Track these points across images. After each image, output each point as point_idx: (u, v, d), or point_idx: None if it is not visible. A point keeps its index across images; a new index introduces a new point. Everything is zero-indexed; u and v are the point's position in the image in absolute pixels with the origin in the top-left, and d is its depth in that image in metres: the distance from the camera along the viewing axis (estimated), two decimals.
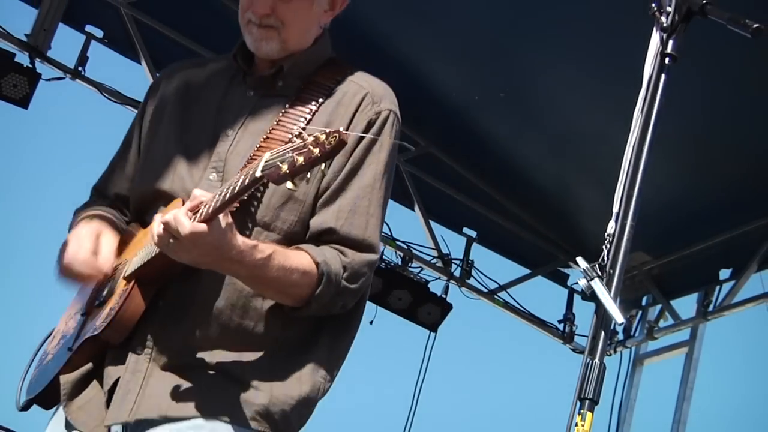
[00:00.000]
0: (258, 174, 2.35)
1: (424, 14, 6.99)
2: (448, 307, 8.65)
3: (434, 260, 8.68)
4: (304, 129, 2.68)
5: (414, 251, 8.61)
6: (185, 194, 2.70)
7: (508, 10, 6.71)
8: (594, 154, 7.42)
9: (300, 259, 2.65)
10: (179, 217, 2.46)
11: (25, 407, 2.88)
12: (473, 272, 8.83)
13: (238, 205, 2.54)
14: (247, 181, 2.39)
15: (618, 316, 2.35)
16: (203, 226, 2.44)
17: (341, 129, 2.28)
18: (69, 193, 12.42)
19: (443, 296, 8.70)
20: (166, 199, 2.81)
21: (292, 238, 2.73)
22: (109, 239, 2.84)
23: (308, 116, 2.79)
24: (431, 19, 7.01)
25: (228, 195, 2.42)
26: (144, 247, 2.73)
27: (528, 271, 9.20)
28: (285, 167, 2.28)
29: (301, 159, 2.26)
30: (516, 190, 8.57)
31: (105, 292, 2.80)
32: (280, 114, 2.81)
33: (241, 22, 2.89)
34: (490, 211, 8.76)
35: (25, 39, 7.28)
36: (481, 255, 8.98)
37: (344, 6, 2.95)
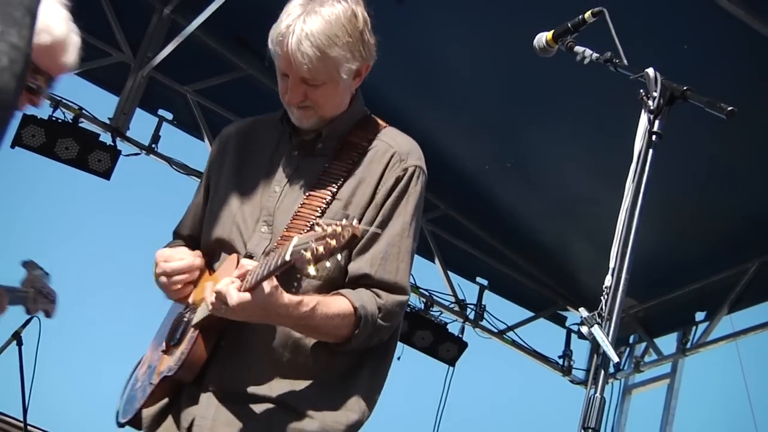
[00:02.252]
0: (287, 258, 2.29)
1: (441, 97, 7.02)
2: (464, 345, 8.60)
3: (452, 305, 8.66)
4: (322, 215, 2.64)
5: (434, 297, 8.59)
6: (242, 245, 2.73)
7: (514, 93, 6.71)
8: (588, 216, 7.41)
9: (340, 304, 2.61)
10: (229, 290, 2.46)
11: (121, 425, 2.85)
12: (485, 315, 8.81)
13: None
14: (279, 262, 2.34)
15: (614, 357, 2.31)
16: (247, 296, 2.44)
17: (354, 222, 2.23)
18: (145, 245, 12.48)
19: (460, 336, 8.66)
20: (226, 247, 2.79)
21: (331, 283, 2.69)
22: (187, 252, 2.85)
23: (344, 175, 2.74)
24: (447, 100, 7.04)
25: (266, 271, 2.40)
26: (206, 299, 2.69)
27: (532, 314, 9.14)
28: (308, 255, 2.22)
29: (321, 249, 2.21)
30: (522, 245, 8.56)
31: (179, 334, 2.78)
32: (321, 172, 2.76)
33: (282, 101, 2.82)
34: (500, 263, 8.75)
35: (108, 122, 7.37)
36: (492, 300, 8.98)
37: (368, 70, 2.83)
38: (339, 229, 2.21)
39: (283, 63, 2.71)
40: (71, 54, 2.60)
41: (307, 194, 2.72)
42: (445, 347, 8.49)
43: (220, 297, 2.47)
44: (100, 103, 7.66)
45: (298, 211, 2.69)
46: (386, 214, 2.72)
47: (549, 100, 6.56)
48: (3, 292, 3.49)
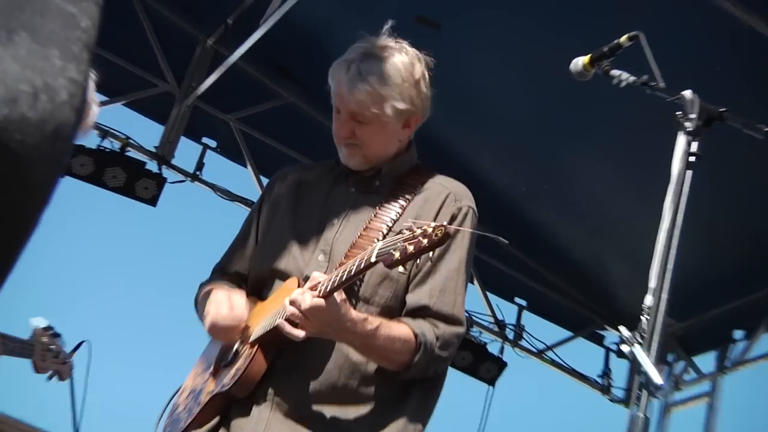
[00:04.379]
0: (373, 259, 2.33)
1: (478, 123, 7.02)
2: (503, 365, 8.53)
3: (491, 325, 8.61)
4: (413, 222, 2.61)
5: (474, 318, 8.53)
6: (298, 273, 2.73)
7: (550, 116, 6.69)
8: (624, 235, 7.34)
9: (401, 329, 2.62)
10: (304, 294, 2.47)
11: None
12: (524, 335, 8.75)
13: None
14: (362, 265, 2.38)
15: (657, 378, 2.27)
16: (321, 302, 2.44)
17: (445, 223, 2.28)
18: (190, 269, 12.51)
19: (499, 356, 8.59)
20: (281, 276, 2.79)
21: (389, 311, 2.70)
22: (239, 296, 2.81)
23: (400, 210, 2.78)
24: (484, 125, 7.04)
25: (345, 276, 2.42)
26: (266, 317, 2.69)
27: (570, 334, 9.06)
28: (397, 254, 2.26)
29: (411, 248, 2.24)
30: (559, 266, 8.51)
31: (231, 354, 2.77)
32: (377, 208, 2.79)
33: (334, 139, 2.88)
34: (538, 283, 8.68)
35: (153, 150, 7.40)
36: (531, 320, 8.90)
37: (419, 123, 2.91)
38: (429, 229, 2.25)
39: (336, 97, 2.79)
40: (91, 118, 2.74)
41: (364, 227, 2.75)
42: (485, 367, 8.43)
43: (296, 303, 2.47)
44: (146, 132, 7.77)
45: (356, 242, 2.71)
46: (444, 249, 2.73)
47: (585, 123, 6.54)
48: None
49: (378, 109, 2.74)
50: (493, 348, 8.61)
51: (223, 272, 3.06)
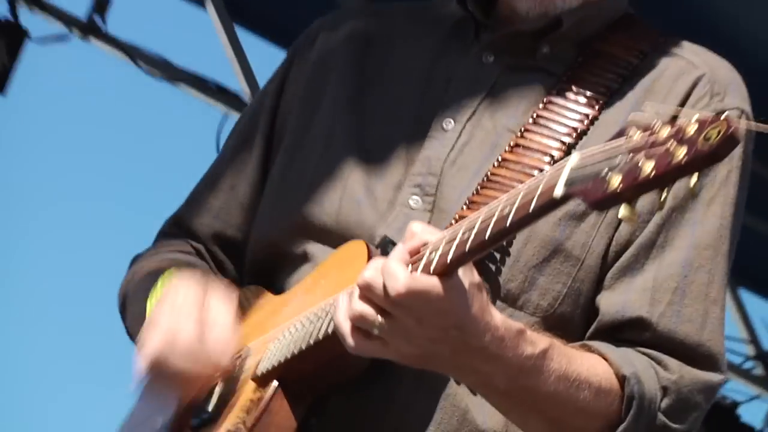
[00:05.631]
0: (559, 192, 1.33)
1: None
2: None
3: (746, 363, 5.98)
4: (651, 106, 1.44)
5: None
6: (365, 231, 1.77)
7: None
8: None
9: (592, 365, 1.64)
10: (391, 267, 1.48)
11: None
12: None
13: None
14: (532, 207, 1.37)
15: None
16: (434, 282, 1.45)
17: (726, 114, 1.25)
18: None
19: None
20: (325, 238, 1.79)
21: (558, 323, 1.71)
22: (222, 294, 1.77)
23: (594, 106, 1.77)
24: None
25: (481, 230, 1.43)
26: (289, 325, 1.72)
27: None
28: (616, 180, 1.28)
29: (650, 165, 1.26)
30: None
31: (213, 403, 1.78)
32: (542, 102, 1.80)
33: None
34: None
35: None
36: None
37: None
38: (692, 124, 1.25)
39: None
40: None
41: (514, 139, 1.79)
42: None
43: (371, 285, 1.48)
44: None
45: (493, 172, 1.74)
46: (681, 203, 1.75)
47: None
48: None
49: None
50: (753, 411, 5.86)
51: (187, 232, 1.98)
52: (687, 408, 1.69)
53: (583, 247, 1.70)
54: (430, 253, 1.48)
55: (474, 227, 1.45)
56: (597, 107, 1.78)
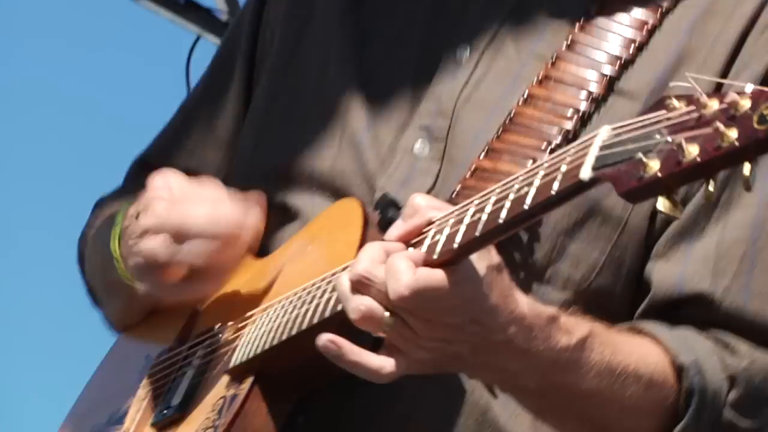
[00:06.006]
0: (586, 175, 1.13)
1: None
2: None
3: None
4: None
5: None
6: (363, 182, 1.57)
7: None
8: None
9: (640, 354, 1.41)
10: (397, 261, 1.28)
11: None
12: None
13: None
14: (554, 188, 1.17)
15: None
16: (439, 277, 1.25)
17: None
18: None
19: None
20: (316, 188, 1.59)
21: (594, 300, 1.49)
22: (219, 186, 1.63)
23: (640, 36, 1.53)
24: None
25: (500, 213, 1.23)
26: (269, 309, 1.49)
27: None
28: (655, 165, 1.07)
29: (694, 149, 1.05)
30: None
31: (180, 395, 1.55)
32: (576, 26, 1.56)
33: None
34: None
35: None
36: None
37: None
38: (746, 102, 1.04)
39: None
40: None
41: (544, 68, 1.55)
42: None
43: (368, 277, 1.28)
44: None
45: (518, 112, 1.53)
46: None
47: None
48: None
49: None
50: None
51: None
52: (759, 401, 1.47)
53: (626, 206, 1.44)
54: (435, 235, 1.29)
55: (485, 207, 1.25)
56: (645, 31, 1.52)
